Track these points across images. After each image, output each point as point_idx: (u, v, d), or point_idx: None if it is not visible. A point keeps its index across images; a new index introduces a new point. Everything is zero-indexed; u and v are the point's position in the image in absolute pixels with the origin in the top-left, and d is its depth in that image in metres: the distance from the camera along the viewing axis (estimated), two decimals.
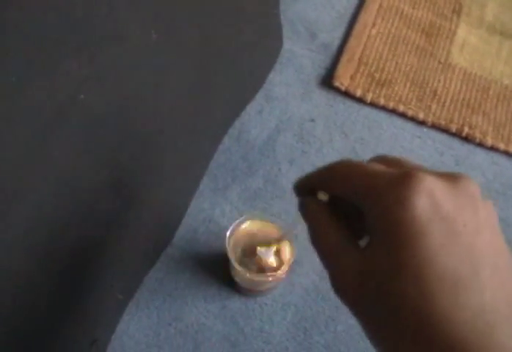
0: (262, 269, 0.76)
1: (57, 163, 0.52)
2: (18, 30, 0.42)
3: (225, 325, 0.81)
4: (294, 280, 0.85)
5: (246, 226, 0.78)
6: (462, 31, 1.11)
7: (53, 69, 0.47)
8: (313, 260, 0.86)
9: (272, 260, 0.77)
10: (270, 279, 0.75)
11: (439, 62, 1.07)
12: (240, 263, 0.75)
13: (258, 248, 0.76)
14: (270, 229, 0.79)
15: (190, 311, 0.81)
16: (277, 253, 0.78)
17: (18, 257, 0.51)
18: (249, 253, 0.78)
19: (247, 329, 0.81)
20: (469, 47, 1.10)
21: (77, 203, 0.59)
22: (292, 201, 0.89)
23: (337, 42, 1.09)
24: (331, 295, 0.80)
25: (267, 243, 0.78)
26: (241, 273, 0.74)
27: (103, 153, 0.61)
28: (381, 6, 1.13)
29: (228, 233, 0.74)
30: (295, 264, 0.84)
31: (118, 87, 0.59)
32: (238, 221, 0.75)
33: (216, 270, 0.84)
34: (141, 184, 0.74)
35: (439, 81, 1.04)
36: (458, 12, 1.14)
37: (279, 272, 0.74)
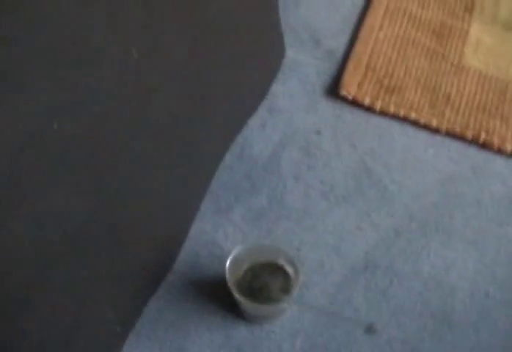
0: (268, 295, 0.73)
1: (35, 193, 0.49)
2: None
3: None
4: (303, 305, 0.80)
5: (248, 251, 0.74)
6: (475, 31, 1.06)
7: (21, 95, 0.43)
8: (322, 282, 0.82)
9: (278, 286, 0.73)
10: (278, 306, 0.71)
11: (452, 65, 1.02)
12: (244, 289, 0.72)
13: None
14: (273, 253, 0.75)
15: (193, 342, 0.78)
16: (283, 276, 0.74)
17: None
18: (252, 276, 0.74)
19: None
20: (484, 47, 1.04)
21: (64, 234, 0.56)
22: (298, 221, 0.85)
23: (342, 48, 1.04)
24: (343, 320, 0.76)
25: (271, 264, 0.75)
26: (246, 303, 0.70)
27: (86, 181, 0.58)
28: (387, 7, 1.08)
29: (227, 264, 0.70)
30: (303, 287, 0.80)
31: (96, 112, 0.55)
32: (236, 250, 0.71)
33: (220, 296, 0.80)
34: (135, 207, 0.70)
35: (453, 84, 0.99)
36: (470, 10, 1.08)
37: (286, 300, 0.70)
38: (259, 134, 0.95)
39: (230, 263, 0.72)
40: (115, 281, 0.71)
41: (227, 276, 0.71)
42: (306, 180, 0.91)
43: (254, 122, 0.96)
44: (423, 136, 0.96)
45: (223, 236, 0.86)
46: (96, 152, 0.57)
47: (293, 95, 0.99)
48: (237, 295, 0.70)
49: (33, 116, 0.46)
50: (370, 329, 0.79)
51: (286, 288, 0.72)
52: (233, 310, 0.79)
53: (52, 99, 0.47)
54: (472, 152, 0.94)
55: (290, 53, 1.03)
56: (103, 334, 0.71)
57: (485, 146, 0.94)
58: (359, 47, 1.02)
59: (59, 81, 0.48)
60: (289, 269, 0.74)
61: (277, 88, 0.99)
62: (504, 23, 1.07)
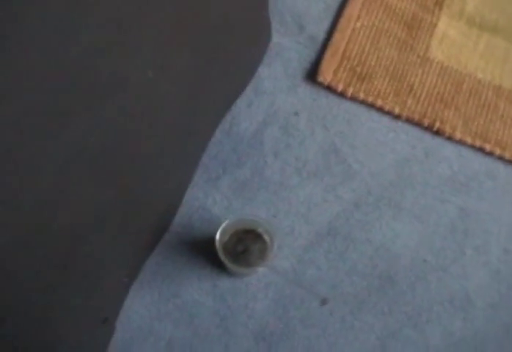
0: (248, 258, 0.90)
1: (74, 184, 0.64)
2: (41, 91, 0.52)
3: (215, 301, 0.95)
4: (276, 263, 0.98)
5: (234, 221, 0.90)
6: (442, 24, 1.18)
7: (68, 123, 0.57)
8: (292, 245, 0.99)
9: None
10: (254, 270, 0.89)
11: (418, 56, 1.14)
12: (229, 251, 0.88)
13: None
14: (254, 223, 0.91)
15: (186, 289, 0.95)
16: (262, 243, 0.91)
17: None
18: (236, 240, 0.91)
19: (234, 305, 0.95)
20: (448, 40, 1.16)
21: (93, 211, 0.71)
22: (275, 192, 1.01)
23: (323, 35, 1.15)
24: (307, 276, 0.94)
25: (252, 231, 0.91)
26: (230, 266, 0.87)
27: (110, 175, 0.73)
28: None
29: (217, 236, 0.87)
30: (276, 249, 0.97)
31: (120, 123, 0.69)
32: (225, 224, 0.87)
33: (209, 253, 0.96)
34: (142, 181, 0.85)
35: (417, 75, 1.12)
36: (440, 3, 1.19)
37: (262, 265, 0.87)
38: (245, 113, 1.08)
39: (220, 233, 0.88)
40: (125, 242, 0.87)
41: (217, 244, 0.87)
42: (284, 157, 1.05)
43: (241, 101, 1.09)
44: (386, 121, 1.09)
45: (212, 202, 1.01)
46: (120, 154, 0.71)
47: (276, 78, 1.11)
48: (223, 259, 0.87)
49: (76, 135, 0.60)
50: (331, 286, 0.97)
51: (263, 254, 0.89)
52: (219, 265, 0.95)
53: (91, 121, 0.62)
54: (427, 138, 1.09)
55: (276, 37, 1.14)
56: (116, 284, 0.88)
57: (438, 133, 1.08)
58: (337, 35, 1.14)
59: (96, 104, 0.62)
60: (266, 238, 0.91)
61: (263, 70, 1.12)
62: (468, 19, 1.18)
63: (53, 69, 0.53)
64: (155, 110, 0.79)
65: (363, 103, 1.10)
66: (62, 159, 0.60)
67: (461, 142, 1.08)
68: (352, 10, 1.17)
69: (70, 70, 0.56)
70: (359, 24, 1.16)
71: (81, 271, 0.76)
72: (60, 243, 0.67)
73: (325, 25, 1.17)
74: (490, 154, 1.08)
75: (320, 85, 1.11)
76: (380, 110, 1.10)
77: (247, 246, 0.90)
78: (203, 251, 0.97)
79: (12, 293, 0.62)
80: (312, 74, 1.12)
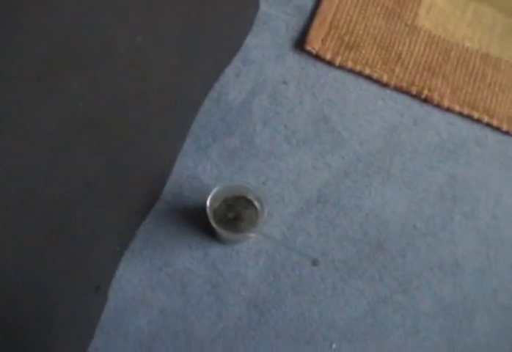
0: (239, 224, 0.89)
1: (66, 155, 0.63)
2: (30, 56, 0.51)
3: (207, 269, 0.95)
4: (266, 230, 0.98)
5: (224, 188, 0.89)
6: None
7: (58, 89, 0.57)
8: (282, 212, 0.99)
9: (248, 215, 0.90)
10: (245, 236, 0.89)
11: (406, 25, 1.14)
12: (220, 218, 0.88)
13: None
14: (244, 190, 0.91)
15: (177, 258, 0.95)
16: (253, 209, 0.91)
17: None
18: (226, 207, 0.91)
19: (226, 273, 0.95)
20: (436, 9, 1.17)
21: (85, 181, 0.71)
22: (265, 160, 1.01)
23: (311, 4, 1.15)
24: (298, 243, 0.94)
25: (243, 197, 0.91)
26: (221, 231, 0.87)
27: (100, 141, 0.72)
28: None
29: (208, 202, 0.86)
30: (267, 215, 0.97)
31: (109, 89, 0.68)
32: (215, 190, 0.86)
33: (199, 221, 0.96)
34: (133, 151, 0.85)
35: (404, 44, 1.12)
36: None
37: (252, 231, 0.87)
38: (234, 82, 1.07)
39: (210, 199, 0.88)
40: (117, 210, 0.87)
41: (208, 210, 0.87)
42: (273, 125, 1.05)
43: (230, 70, 1.08)
44: (374, 89, 1.10)
45: (202, 171, 1.01)
46: (109, 120, 0.70)
47: (264, 47, 1.11)
48: (214, 225, 0.87)
49: (65, 99, 0.59)
50: (322, 253, 0.98)
51: (254, 220, 0.89)
52: (210, 233, 0.96)
53: (80, 86, 0.61)
54: (415, 105, 1.09)
55: (264, 7, 1.13)
56: (108, 252, 0.88)
57: (426, 101, 1.09)
58: (325, 4, 1.13)
59: (84, 75, 0.61)
60: (257, 204, 0.91)
61: (251, 40, 1.11)
62: None
63: (40, 33, 0.52)
64: (145, 75, 0.78)
65: (351, 71, 1.10)
66: (53, 124, 0.59)
67: (449, 110, 1.09)
68: None
69: (57, 33, 0.55)
70: None
71: (73, 237, 0.76)
72: (51, 208, 0.67)
73: None
74: (478, 121, 1.09)
75: (309, 54, 1.10)
76: (368, 78, 1.10)
77: (238, 212, 0.90)
78: (194, 220, 0.97)
79: (1, 259, 0.62)
80: (300, 43, 1.11)
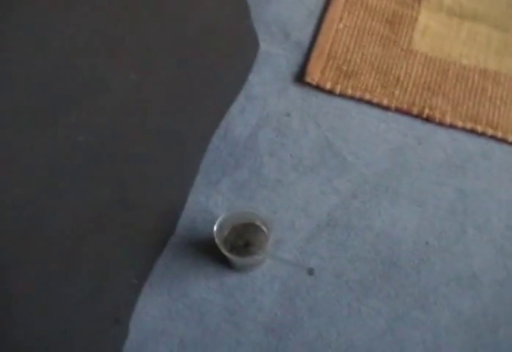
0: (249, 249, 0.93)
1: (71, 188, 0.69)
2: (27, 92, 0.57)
3: (223, 298, 0.97)
4: (279, 255, 1.00)
5: (231, 215, 0.93)
6: (423, 17, 1.22)
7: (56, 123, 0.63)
8: (294, 238, 1.01)
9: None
10: (254, 258, 0.92)
11: (402, 49, 1.18)
12: (230, 246, 0.92)
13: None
14: (251, 216, 0.95)
15: (194, 289, 0.98)
16: (261, 234, 0.94)
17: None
18: (236, 235, 0.94)
19: (242, 300, 0.97)
20: (430, 32, 1.20)
21: (96, 215, 0.76)
22: (273, 189, 1.04)
23: (308, 39, 1.20)
24: (311, 267, 0.96)
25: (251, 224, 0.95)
26: (231, 257, 0.90)
27: (106, 175, 0.77)
28: (347, 0, 1.24)
29: (215, 229, 0.90)
30: (279, 242, 1.00)
31: (108, 123, 0.74)
32: (221, 217, 0.90)
33: (213, 252, 0.98)
34: (145, 188, 0.90)
35: (402, 67, 1.16)
36: None
37: (261, 253, 0.90)
38: (239, 118, 1.13)
39: (217, 227, 0.91)
40: (133, 245, 0.91)
41: (215, 236, 0.90)
42: (279, 155, 1.09)
43: (234, 108, 1.14)
44: (376, 113, 1.12)
45: (213, 204, 1.05)
46: (111, 153, 0.76)
47: (266, 83, 1.16)
48: (225, 252, 0.90)
49: (64, 134, 0.65)
50: (335, 275, 0.99)
51: (264, 244, 0.92)
52: (224, 262, 0.99)
53: (78, 121, 0.67)
54: (418, 125, 1.11)
55: (264, 46, 1.20)
56: (126, 285, 0.92)
57: (428, 119, 1.11)
58: (321, 38, 1.19)
59: (80, 104, 0.67)
60: (264, 228, 0.94)
61: (253, 77, 1.17)
62: (448, 10, 1.22)
63: (35, 68, 0.59)
64: (144, 111, 0.83)
65: (352, 98, 1.14)
66: (52, 157, 0.65)
67: (452, 126, 1.10)
68: (334, 13, 1.21)
69: (51, 68, 0.61)
70: (341, 25, 1.20)
71: (86, 271, 0.80)
72: (60, 242, 0.72)
73: (309, 30, 1.22)
74: (482, 135, 1.10)
75: (309, 85, 1.15)
76: (369, 103, 1.13)
77: (247, 239, 0.94)
78: (208, 251, 1.00)
79: (16, 295, 0.66)
80: (300, 76, 1.16)
